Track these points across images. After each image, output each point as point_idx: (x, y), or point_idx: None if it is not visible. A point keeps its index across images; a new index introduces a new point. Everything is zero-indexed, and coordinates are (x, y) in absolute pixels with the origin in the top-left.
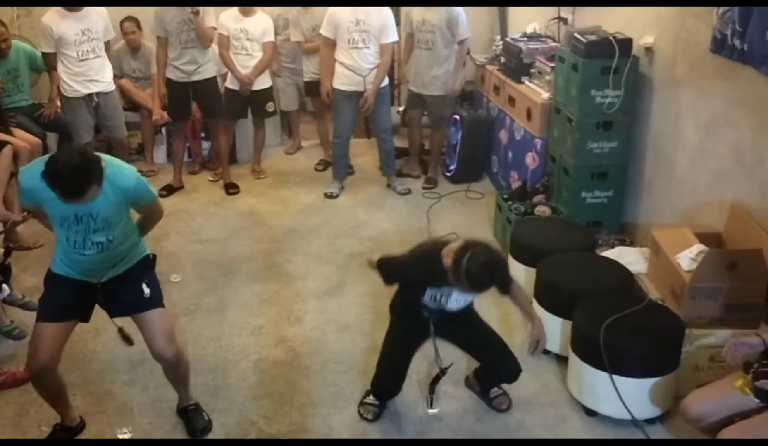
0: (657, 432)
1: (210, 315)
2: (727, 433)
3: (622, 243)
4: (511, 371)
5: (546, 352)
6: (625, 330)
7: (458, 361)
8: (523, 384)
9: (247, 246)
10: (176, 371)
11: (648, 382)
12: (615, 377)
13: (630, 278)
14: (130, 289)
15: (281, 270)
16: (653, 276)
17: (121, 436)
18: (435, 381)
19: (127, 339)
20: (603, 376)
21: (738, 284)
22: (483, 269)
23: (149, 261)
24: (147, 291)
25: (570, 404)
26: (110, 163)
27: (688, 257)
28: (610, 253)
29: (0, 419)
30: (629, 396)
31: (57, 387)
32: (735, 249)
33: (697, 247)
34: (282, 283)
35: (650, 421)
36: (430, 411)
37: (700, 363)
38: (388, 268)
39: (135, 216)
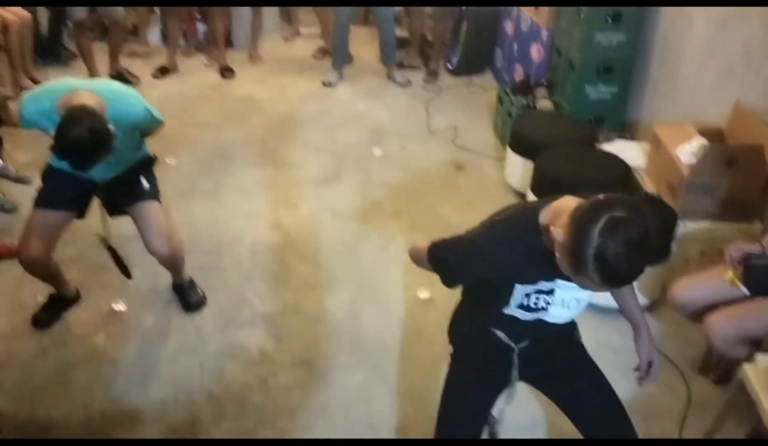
0: None
1: (205, 198)
2: (711, 318)
3: (623, 139)
4: None
5: None
6: None
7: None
8: None
9: (243, 132)
10: (172, 265)
11: None
12: None
13: (628, 171)
14: (129, 183)
15: (278, 157)
16: (651, 171)
17: (116, 307)
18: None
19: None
20: None
21: (736, 180)
22: (634, 250)
23: (150, 160)
24: (145, 184)
25: None
26: (114, 100)
27: (688, 151)
28: (609, 147)
29: None
30: None
31: (50, 273)
32: (736, 145)
33: (698, 141)
34: (278, 170)
35: None
36: None
37: (690, 257)
38: (447, 258)
39: None
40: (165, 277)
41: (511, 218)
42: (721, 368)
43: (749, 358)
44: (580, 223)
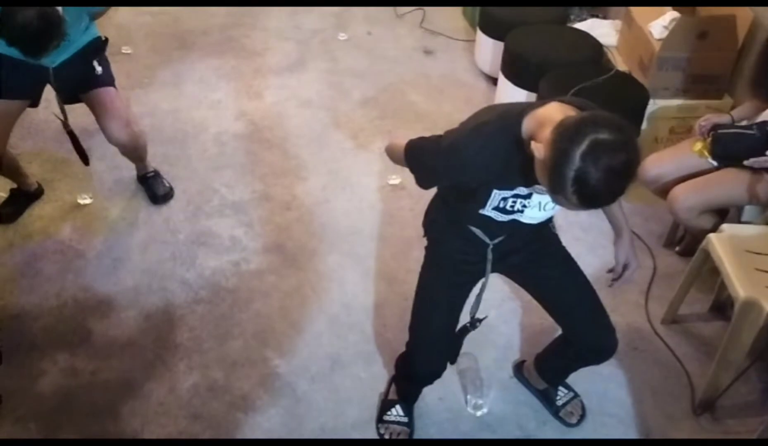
0: None
1: (165, 88)
2: (677, 190)
3: (595, 17)
4: (607, 344)
5: None
6: (588, 99)
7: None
8: None
9: (201, 20)
10: (133, 153)
11: None
12: None
13: (599, 49)
14: (81, 67)
15: (239, 45)
16: (623, 49)
17: (81, 201)
18: (460, 334)
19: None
20: None
21: (707, 53)
22: (615, 177)
23: (101, 43)
24: (98, 68)
25: None
26: None
27: (660, 25)
28: (581, 25)
29: None
30: None
31: (8, 166)
32: (708, 16)
33: (671, 15)
34: (240, 58)
35: None
36: (476, 412)
37: (660, 135)
38: (425, 160)
39: None
40: (129, 170)
41: (493, 124)
42: (686, 241)
43: (715, 229)
44: (562, 142)
